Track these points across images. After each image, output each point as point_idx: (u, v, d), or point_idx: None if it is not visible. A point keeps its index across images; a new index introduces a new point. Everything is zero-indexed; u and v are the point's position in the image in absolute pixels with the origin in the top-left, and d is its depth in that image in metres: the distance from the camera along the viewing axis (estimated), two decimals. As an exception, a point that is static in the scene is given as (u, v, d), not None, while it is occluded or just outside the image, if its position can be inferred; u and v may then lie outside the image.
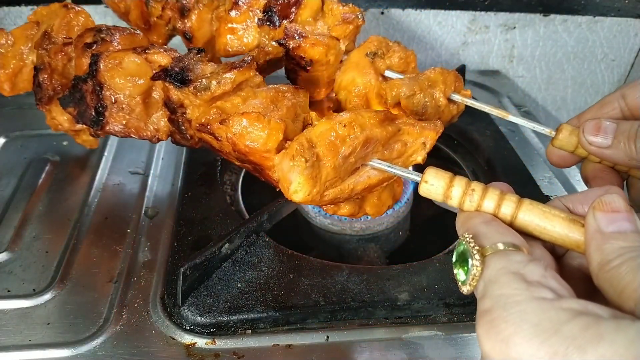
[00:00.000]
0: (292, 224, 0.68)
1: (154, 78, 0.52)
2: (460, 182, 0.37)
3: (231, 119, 0.47)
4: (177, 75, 0.50)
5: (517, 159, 0.77)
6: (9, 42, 0.66)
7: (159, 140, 0.58)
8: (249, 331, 0.52)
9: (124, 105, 0.55)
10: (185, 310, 0.52)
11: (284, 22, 0.62)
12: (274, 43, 0.63)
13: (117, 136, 0.57)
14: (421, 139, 0.49)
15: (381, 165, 0.46)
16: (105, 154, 0.77)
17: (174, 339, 0.51)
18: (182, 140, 0.57)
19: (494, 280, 0.31)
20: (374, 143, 0.46)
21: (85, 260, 0.59)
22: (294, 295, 0.54)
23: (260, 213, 0.60)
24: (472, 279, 0.32)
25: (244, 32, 0.64)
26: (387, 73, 0.60)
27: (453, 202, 0.38)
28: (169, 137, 0.58)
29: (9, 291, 0.55)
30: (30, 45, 0.66)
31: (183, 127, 0.54)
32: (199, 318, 0.52)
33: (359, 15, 0.63)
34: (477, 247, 0.33)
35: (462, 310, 0.55)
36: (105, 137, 0.80)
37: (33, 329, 0.52)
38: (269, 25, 0.63)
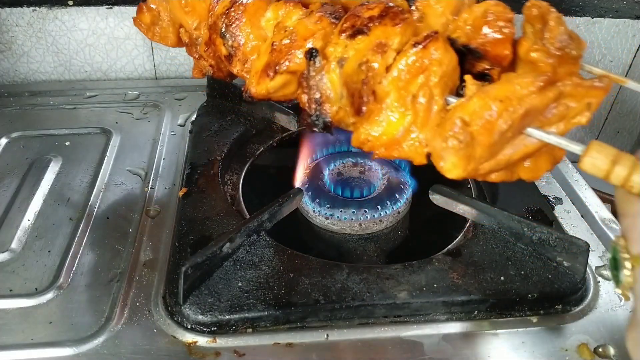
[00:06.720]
0: (292, 224, 0.69)
1: None
2: (627, 161, 0.34)
3: None
4: None
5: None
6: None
7: None
8: (250, 330, 0.53)
9: None
10: (187, 309, 0.52)
11: None
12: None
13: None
14: (586, 99, 0.43)
15: (538, 134, 0.42)
16: (107, 154, 0.77)
17: (175, 337, 0.52)
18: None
19: None
20: (532, 114, 0.42)
21: (87, 260, 0.60)
22: (294, 294, 0.54)
23: (260, 213, 0.60)
24: (624, 288, 0.31)
25: None
26: None
27: (616, 182, 0.34)
28: None
29: (11, 290, 0.56)
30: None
31: None
32: (200, 317, 0.52)
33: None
34: (627, 256, 0.31)
35: (461, 309, 0.55)
36: (107, 138, 0.81)
37: (35, 328, 0.52)
38: None
